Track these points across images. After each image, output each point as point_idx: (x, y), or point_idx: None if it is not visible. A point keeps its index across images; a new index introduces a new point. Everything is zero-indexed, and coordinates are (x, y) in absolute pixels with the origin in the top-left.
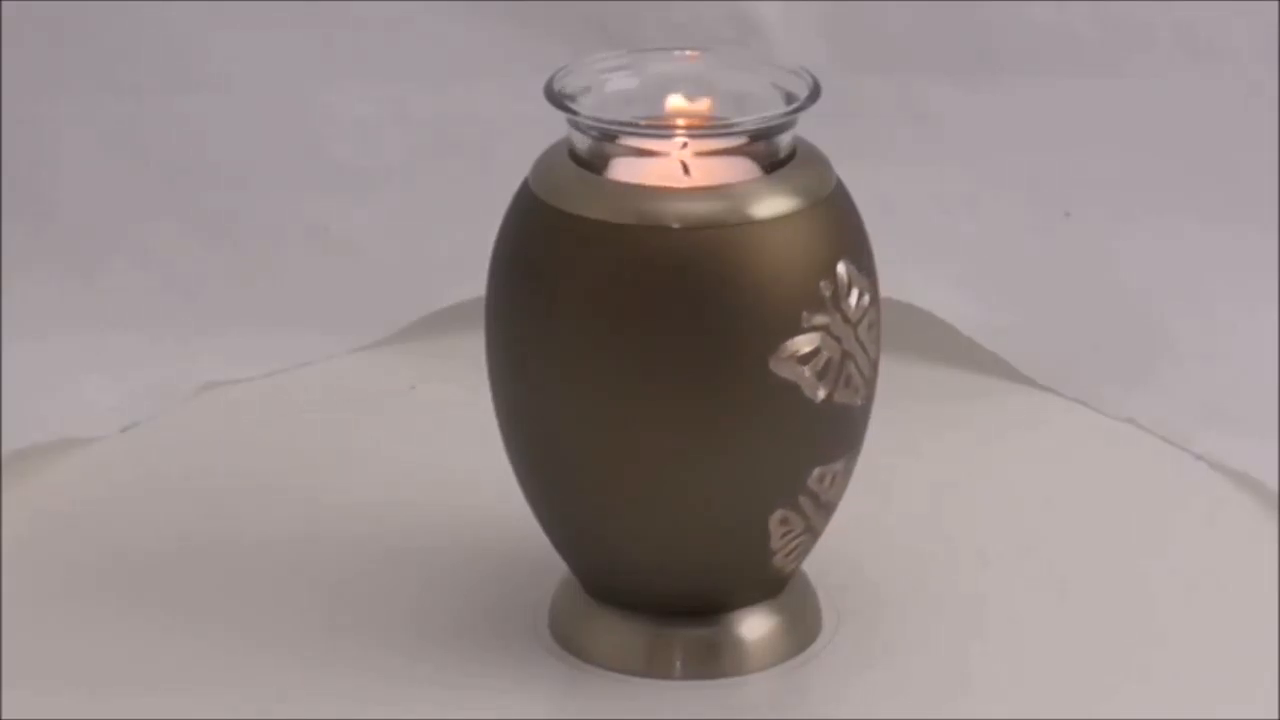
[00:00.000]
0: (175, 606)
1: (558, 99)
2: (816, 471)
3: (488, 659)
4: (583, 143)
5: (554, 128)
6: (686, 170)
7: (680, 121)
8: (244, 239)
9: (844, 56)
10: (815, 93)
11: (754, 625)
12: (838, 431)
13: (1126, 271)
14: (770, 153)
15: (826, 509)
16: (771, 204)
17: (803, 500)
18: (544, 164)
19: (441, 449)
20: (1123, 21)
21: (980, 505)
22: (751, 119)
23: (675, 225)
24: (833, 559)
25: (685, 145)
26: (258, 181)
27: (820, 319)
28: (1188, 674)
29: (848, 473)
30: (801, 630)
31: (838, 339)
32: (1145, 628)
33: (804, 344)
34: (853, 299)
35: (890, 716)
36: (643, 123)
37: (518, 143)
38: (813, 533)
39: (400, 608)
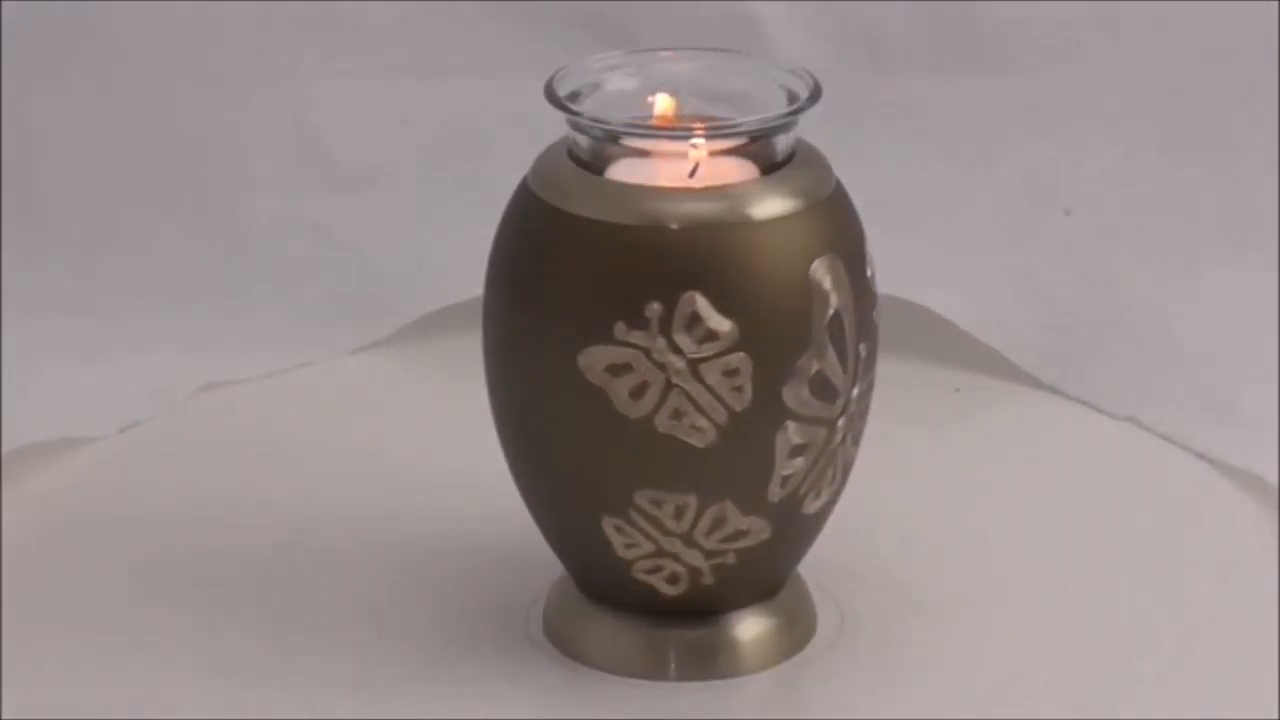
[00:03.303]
0: (173, 605)
1: (558, 99)
2: (656, 495)
3: (482, 659)
4: (582, 143)
5: (554, 128)
6: (693, 172)
7: (696, 124)
8: (244, 239)
9: (843, 56)
10: (816, 93)
11: (749, 626)
12: (670, 463)
13: (1127, 270)
14: (770, 154)
15: (693, 544)
16: (771, 205)
17: (636, 518)
18: (543, 164)
19: (439, 448)
20: (1123, 21)
21: (980, 504)
22: (753, 119)
23: (674, 226)
24: (830, 559)
25: (696, 146)
26: (258, 181)
27: (637, 337)
28: (1188, 673)
29: (724, 516)
30: (797, 631)
31: (660, 366)
32: (1146, 627)
33: (610, 355)
34: (695, 334)
35: (886, 717)
36: (648, 125)
37: (518, 143)
38: (677, 559)
39: (395, 606)
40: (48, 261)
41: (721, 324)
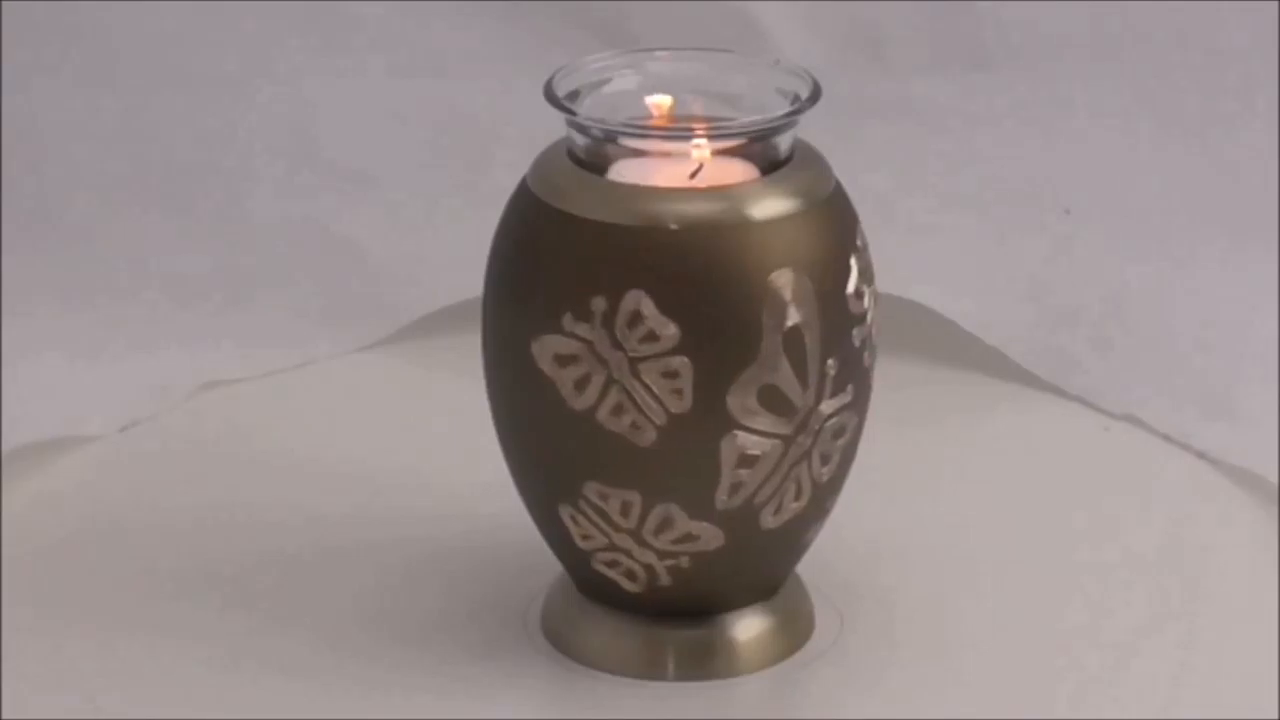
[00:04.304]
0: (173, 605)
1: (557, 99)
2: (602, 488)
3: (480, 658)
4: (582, 143)
5: (554, 128)
6: (696, 173)
7: (696, 125)
8: (244, 238)
9: (843, 56)
10: (816, 93)
11: (747, 626)
12: (615, 457)
13: (1127, 269)
14: (769, 154)
15: (644, 542)
16: (770, 205)
17: (587, 509)
18: (542, 164)
19: (439, 448)
20: (1121, 20)
21: (979, 504)
22: (754, 120)
23: (674, 226)
24: (828, 559)
25: (698, 146)
26: (258, 181)
27: (582, 330)
28: (1188, 673)
29: (671, 518)
30: (795, 631)
31: (603, 361)
32: (1146, 626)
33: (559, 345)
34: (636, 334)
35: (884, 717)
36: (648, 125)
37: (518, 143)
38: (630, 556)
39: (393, 606)
40: (49, 261)
41: (664, 325)
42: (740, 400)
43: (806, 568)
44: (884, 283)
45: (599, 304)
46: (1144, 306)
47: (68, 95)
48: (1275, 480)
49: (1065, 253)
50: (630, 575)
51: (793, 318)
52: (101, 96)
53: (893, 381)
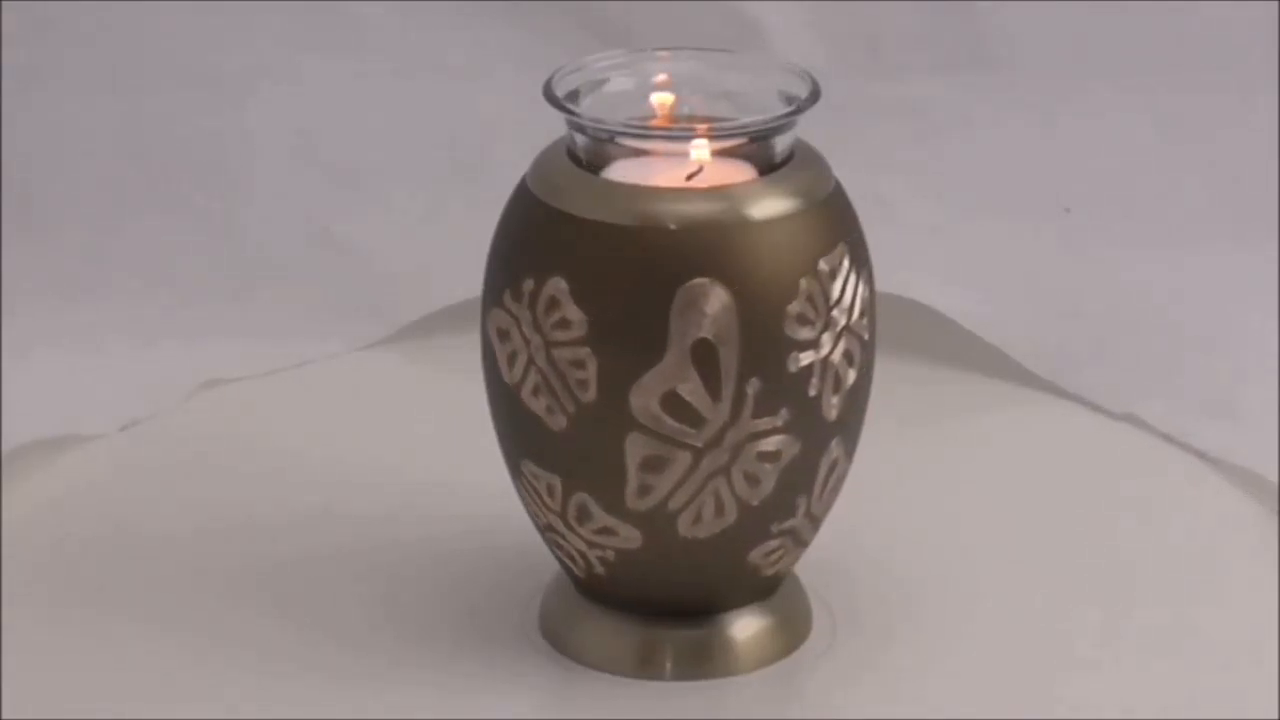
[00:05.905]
0: (173, 604)
1: (557, 100)
2: (533, 468)
3: (477, 658)
4: (581, 142)
5: (554, 128)
6: (695, 174)
7: (695, 125)
8: (244, 239)
9: (843, 56)
10: (815, 94)
11: (745, 626)
12: (538, 438)
13: (1126, 268)
14: (768, 154)
15: (571, 529)
16: (769, 205)
17: (526, 485)
18: (542, 163)
19: (439, 448)
20: (1120, 20)
21: (978, 503)
22: (754, 120)
23: (673, 226)
24: (825, 558)
25: (698, 147)
26: (258, 181)
27: (514, 307)
28: (1189, 673)
29: (588, 509)
30: (792, 631)
31: (526, 340)
32: (1146, 627)
33: (499, 319)
34: (551, 319)
35: (881, 717)
36: (647, 125)
37: (518, 143)
38: (565, 539)
39: (392, 605)
40: (49, 260)
41: (575, 314)
42: (643, 402)
43: (804, 567)
44: (884, 283)
45: (528, 285)
46: (1144, 306)
47: (68, 95)
48: (1275, 480)
49: (1065, 252)
50: (571, 559)
51: (706, 330)
52: (101, 96)
53: (893, 381)
